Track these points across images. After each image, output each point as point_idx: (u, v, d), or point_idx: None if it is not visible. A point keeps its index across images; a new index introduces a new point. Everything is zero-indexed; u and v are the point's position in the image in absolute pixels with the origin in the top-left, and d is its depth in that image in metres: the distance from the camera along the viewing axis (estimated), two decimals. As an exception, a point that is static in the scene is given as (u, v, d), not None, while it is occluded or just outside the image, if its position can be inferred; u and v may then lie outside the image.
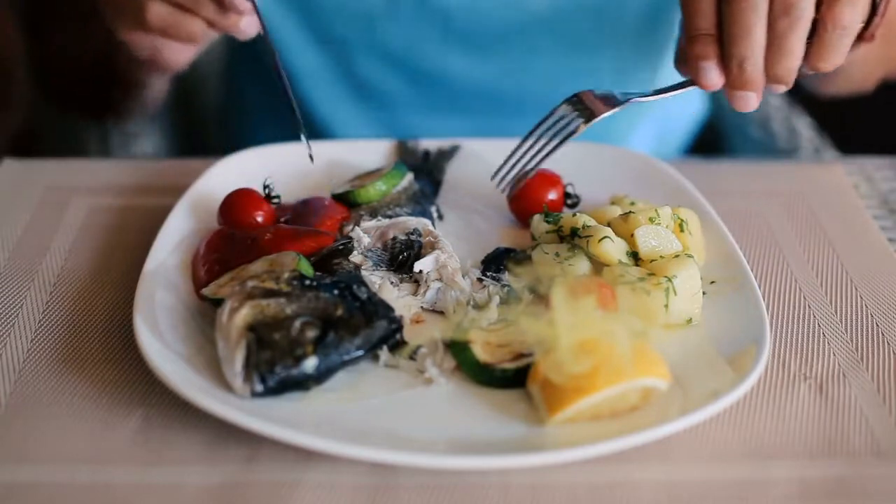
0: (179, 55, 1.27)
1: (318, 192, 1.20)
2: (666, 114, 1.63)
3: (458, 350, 0.97)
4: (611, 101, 1.08)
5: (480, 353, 0.96)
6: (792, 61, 0.98)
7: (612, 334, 0.90)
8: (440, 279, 1.05)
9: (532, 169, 1.12)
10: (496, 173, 1.16)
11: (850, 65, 1.25)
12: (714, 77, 1.00)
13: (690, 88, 1.06)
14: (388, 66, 1.50)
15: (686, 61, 1.02)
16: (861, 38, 1.06)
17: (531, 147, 1.12)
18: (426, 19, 1.47)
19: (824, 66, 1.00)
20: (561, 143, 1.09)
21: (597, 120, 1.07)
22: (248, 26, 1.15)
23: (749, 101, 1.01)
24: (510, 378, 0.95)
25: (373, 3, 1.44)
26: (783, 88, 1.01)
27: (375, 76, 1.51)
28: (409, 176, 1.20)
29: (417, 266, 1.06)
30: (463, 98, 1.52)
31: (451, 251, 1.08)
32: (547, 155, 1.11)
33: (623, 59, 1.51)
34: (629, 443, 0.87)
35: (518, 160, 1.13)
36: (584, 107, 1.08)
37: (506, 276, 1.07)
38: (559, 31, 1.47)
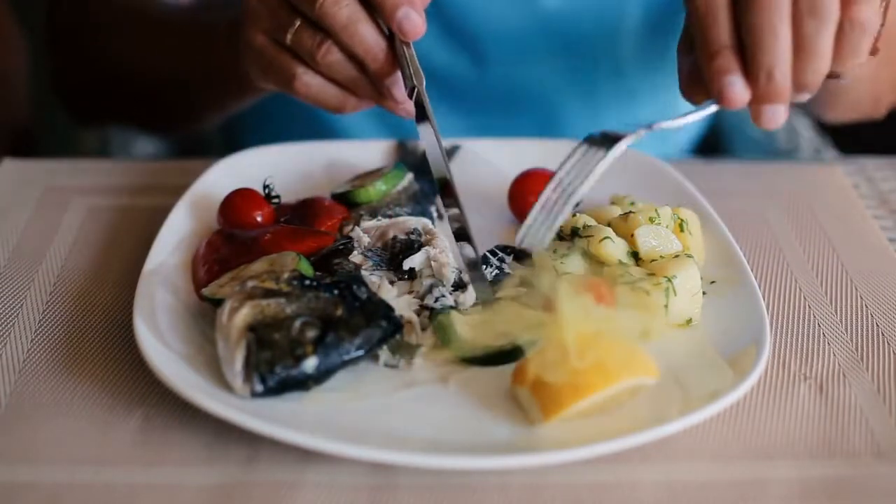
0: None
1: (317, 192, 1.20)
2: (673, 113, 1.64)
3: (440, 327, 0.98)
4: (631, 128, 0.97)
5: (464, 330, 0.98)
6: (822, 64, 0.91)
7: (616, 329, 0.91)
8: (434, 275, 1.05)
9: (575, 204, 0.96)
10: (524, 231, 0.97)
11: (856, 84, 1.23)
12: (741, 91, 0.91)
13: (712, 109, 0.96)
14: None
15: (706, 79, 0.93)
16: None
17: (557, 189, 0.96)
18: (430, 20, 1.47)
19: (844, 67, 0.94)
20: (593, 170, 0.93)
21: (623, 142, 0.93)
22: (410, 111, 1.09)
23: (778, 116, 0.92)
24: (493, 356, 0.96)
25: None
26: (807, 96, 0.94)
27: None
28: (409, 176, 1.20)
29: (406, 263, 1.06)
30: (464, 98, 1.52)
31: (445, 247, 1.08)
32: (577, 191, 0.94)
33: (624, 63, 1.51)
34: (629, 443, 0.87)
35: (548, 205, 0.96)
36: (604, 139, 0.95)
37: (508, 264, 1.08)
38: (563, 34, 1.47)
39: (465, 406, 0.93)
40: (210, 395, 0.91)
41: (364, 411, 0.92)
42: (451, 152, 1.32)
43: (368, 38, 1.05)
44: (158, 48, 1.45)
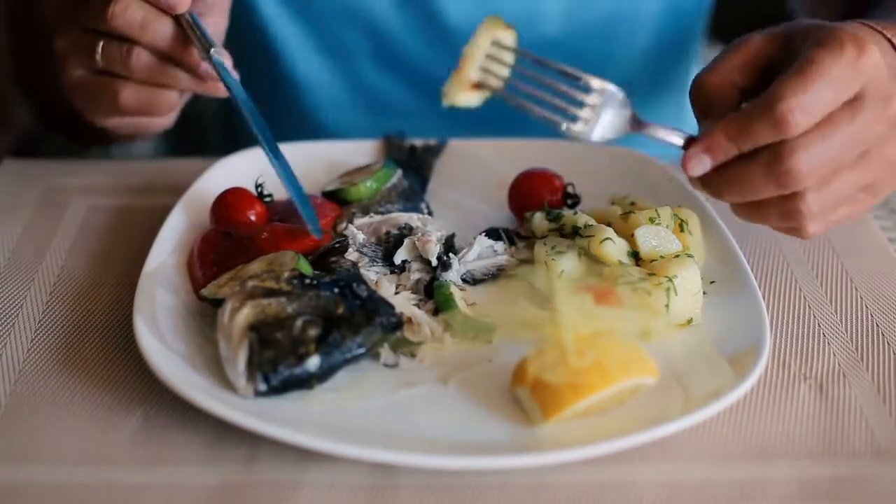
0: (161, 123, 1.22)
1: (310, 190, 1.20)
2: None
3: (441, 294, 1.03)
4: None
5: (466, 308, 1.01)
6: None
7: (616, 330, 0.91)
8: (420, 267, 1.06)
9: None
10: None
11: None
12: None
13: None
14: (395, 76, 1.49)
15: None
16: None
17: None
18: (433, 33, 1.47)
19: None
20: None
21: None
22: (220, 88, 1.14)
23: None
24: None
25: (380, 14, 1.44)
26: None
27: (382, 85, 1.51)
28: (399, 172, 1.21)
29: (397, 257, 1.07)
30: (468, 109, 1.52)
31: (430, 230, 1.09)
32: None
33: (629, 76, 1.51)
34: (629, 443, 0.87)
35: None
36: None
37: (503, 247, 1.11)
38: (568, 51, 1.47)
39: (465, 406, 0.93)
40: (210, 395, 0.91)
41: (364, 411, 0.92)
42: (437, 148, 1.31)
43: (164, 30, 1.10)
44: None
